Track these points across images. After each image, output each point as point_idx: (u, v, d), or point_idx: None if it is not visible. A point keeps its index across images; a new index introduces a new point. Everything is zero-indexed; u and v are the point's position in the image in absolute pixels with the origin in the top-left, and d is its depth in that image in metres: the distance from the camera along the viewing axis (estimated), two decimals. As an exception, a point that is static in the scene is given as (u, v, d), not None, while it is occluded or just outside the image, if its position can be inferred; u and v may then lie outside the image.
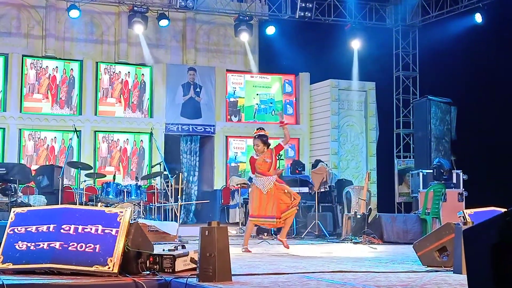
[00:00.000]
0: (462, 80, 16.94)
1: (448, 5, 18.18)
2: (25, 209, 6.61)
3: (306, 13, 18.56)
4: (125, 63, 18.47)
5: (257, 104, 19.22)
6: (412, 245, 7.69)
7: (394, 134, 19.87)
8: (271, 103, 19.30)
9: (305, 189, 15.92)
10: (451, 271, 6.59)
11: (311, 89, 19.54)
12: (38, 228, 6.19)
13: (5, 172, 13.85)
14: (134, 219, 12.06)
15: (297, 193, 15.88)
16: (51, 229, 6.16)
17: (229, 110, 19.01)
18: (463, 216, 7.27)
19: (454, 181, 14.58)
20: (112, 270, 5.84)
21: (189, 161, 18.70)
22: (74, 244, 6.03)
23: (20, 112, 17.16)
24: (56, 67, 17.67)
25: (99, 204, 13.41)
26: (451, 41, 17.55)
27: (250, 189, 10.39)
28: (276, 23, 18.64)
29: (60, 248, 6.01)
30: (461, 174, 14.88)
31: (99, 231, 6.07)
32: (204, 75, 18.73)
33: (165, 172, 14.36)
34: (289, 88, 19.52)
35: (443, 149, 17.21)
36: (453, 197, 13.90)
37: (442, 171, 13.95)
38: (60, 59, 17.89)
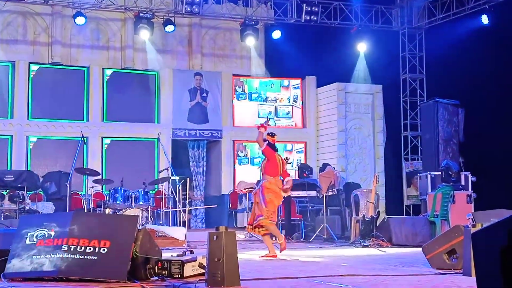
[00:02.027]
0: (470, 82, 16.89)
1: (454, 7, 18.14)
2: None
3: (312, 16, 18.55)
4: (132, 69, 18.50)
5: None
6: (421, 248, 7.66)
7: (402, 137, 19.83)
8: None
9: (313, 193, 15.89)
10: (461, 273, 6.56)
11: (317, 92, 19.53)
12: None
13: (12, 179, 13.88)
14: (142, 225, 12.07)
15: (305, 196, 16.00)
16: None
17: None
18: (472, 218, 7.24)
19: (463, 183, 14.53)
20: None
21: (196, 166, 18.69)
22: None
23: (27, 119, 17.20)
24: (62, 73, 17.70)
25: (107, 209, 13.44)
26: (457, 43, 17.50)
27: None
28: (282, 27, 18.65)
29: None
30: (469, 176, 14.82)
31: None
32: (210, 80, 18.74)
33: (172, 177, 14.36)
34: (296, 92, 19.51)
35: (451, 151, 17.16)
36: (462, 199, 13.86)
37: (451, 173, 13.90)
38: (66, 66, 17.93)
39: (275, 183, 9.90)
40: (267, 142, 10.02)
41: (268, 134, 10.12)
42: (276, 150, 10.12)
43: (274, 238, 13.12)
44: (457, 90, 17.23)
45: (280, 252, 9.81)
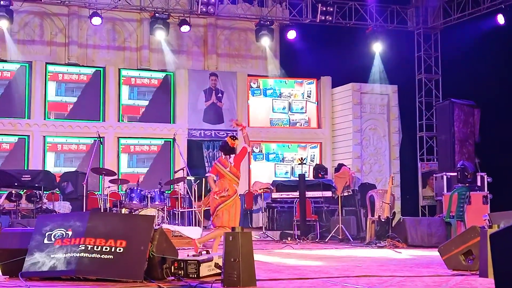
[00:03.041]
0: (485, 82, 16.80)
1: (470, 7, 18.06)
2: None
3: (327, 17, 18.54)
4: (147, 69, 18.57)
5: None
6: (436, 249, 7.65)
7: (417, 137, 19.76)
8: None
9: (328, 193, 15.89)
10: (477, 274, 6.55)
11: (332, 93, 19.50)
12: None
13: (30, 179, 13.97)
14: (158, 225, 12.12)
15: (320, 196, 15.99)
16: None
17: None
18: (488, 219, 7.22)
19: (479, 183, 14.45)
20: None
21: (211, 166, 18.70)
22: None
23: (44, 119, 17.31)
24: (79, 74, 17.81)
25: (123, 209, 13.50)
26: (473, 43, 17.43)
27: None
28: (297, 28, 18.64)
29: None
30: (485, 176, 14.75)
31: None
32: (225, 80, 18.78)
33: (188, 177, 14.40)
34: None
35: (467, 152, 17.09)
36: (478, 200, 13.78)
37: (466, 173, 13.83)
38: (82, 66, 18.03)
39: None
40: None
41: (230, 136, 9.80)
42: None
43: (289, 238, 13.10)
44: (473, 91, 17.15)
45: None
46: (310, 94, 19.43)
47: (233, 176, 9.53)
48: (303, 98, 19.42)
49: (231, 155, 9.63)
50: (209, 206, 9.81)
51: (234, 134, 10.13)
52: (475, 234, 6.96)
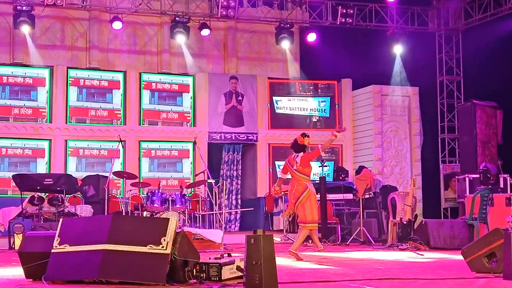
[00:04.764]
0: (508, 83, 16.67)
1: (491, 7, 17.93)
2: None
3: (347, 19, 18.51)
4: (168, 73, 18.64)
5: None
6: (459, 251, 7.59)
7: (439, 139, 19.66)
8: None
9: (349, 196, 15.85)
10: (501, 277, 6.49)
11: (353, 95, 19.46)
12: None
13: (52, 182, 14.06)
14: (180, 228, 12.14)
15: (342, 199, 15.98)
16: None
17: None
18: (511, 221, 7.16)
19: (502, 185, 14.33)
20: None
21: (231, 169, 18.76)
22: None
23: (66, 123, 17.42)
24: (100, 78, 17.92)
25: (145, 212, 13.56)
26: (495, 44, 17.29)
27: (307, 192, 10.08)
28: (317, 30, 18.62)
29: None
30: (508, 178, 14.61)
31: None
32: (246, 83, 18.80)
33: (209, 180, 14.43)
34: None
35: (489, 154, 16.96)
36: (501, 202, 13.66)
37: (489, 175, 13.73)
38: (104, 70, 18.14)
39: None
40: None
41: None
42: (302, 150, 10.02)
43: (310, 241, 13.13)
44: (495, 92, 17.03)
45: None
46: (324, 110, 19.35)
47: (300, 174, 9.87)
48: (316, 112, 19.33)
49: (299, 154, 9.93)
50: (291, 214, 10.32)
51: (305, 132, 10.26)
52: (498, 236, 6.90)
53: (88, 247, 6.16)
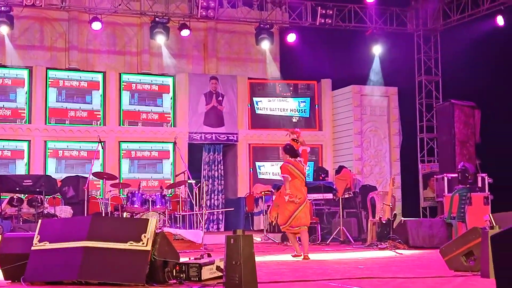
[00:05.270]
0: (485, 83, 16.82)
1: (469, 8, 18.09)
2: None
3: (327, 19, 18.57)
4: (148, 73, 18.60)
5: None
6: (438, 250, 7.65)
7: (418, 139, 19.79)
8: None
9: (329, 195, 15.90)
10: (479, 275, 6.55)
11: (333, 95, 19.54)
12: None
13: (31, 183, 13.99)
14: (160, 228, 12.13)
15: (321, 198, 16.05)
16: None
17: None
18: (489, 220, 7.22)
19: (480, 184, 14.47)
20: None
21: (212, 169, 18.76)
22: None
23: (45, 124, 17.33)
24: (79, 78, 17.83)
25: (124, 213, 13.52)
26: (473, 44, 17.44)
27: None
28: (297, 31, 18.67)
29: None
30: (486, 177, 14.76)
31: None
32: (226, 84, 18.81)
33: (189, 181, 14.42)
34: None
35: (467, 153, 17.10)
36: (479, 201, 13.80)
37: (467, 175, 13.85)
38: (83, 71, 18.06)
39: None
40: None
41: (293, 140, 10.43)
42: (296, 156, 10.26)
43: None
44: (473, 92, 17.17)
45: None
46: (304, 110, 19.41)
47: (304, 177, 10.20)
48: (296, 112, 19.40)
49: (297, 158, 10.17)
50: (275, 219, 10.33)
51: (295, 137, 10.57)
52: (476, 235, 6.97)
53: (69, 244, 6.12)
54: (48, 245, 6.20)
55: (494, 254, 3.20)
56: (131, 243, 6.02)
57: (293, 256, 9.98)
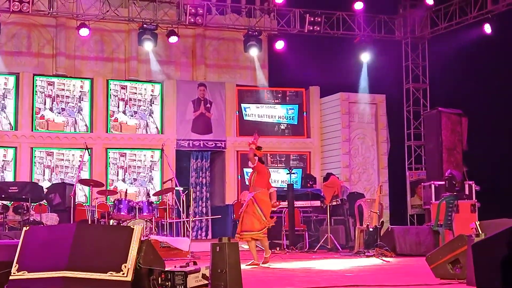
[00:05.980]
0: (473, 91, 16.88)
1: (457, 16, 18.16)
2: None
3: (315, 27, 18.58)
4: (136, 80, 18.55)
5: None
6: (424, 258, 7.66)
7: (406, 146, 19.84)
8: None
9: (317, 203, 15.91)
10: (465, 283, 6.56)
11: (321, 102, 19.56)
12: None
13: (17, 190, 13.90)
14: (146, 236, 12.08)
15: (309, 206, 16.05)
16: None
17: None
18: (475, 228, 7.23)
19: (467, 192, 14.51)
20: (126, 276, 5.86)
21: (200, 176, 18.72)
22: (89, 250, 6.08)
23: (32, 130, 17.25)
24: (67, 85, 17.76)
25: (111, 220, 13.45)
26: (460, 52, 17.50)
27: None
28: (285, 38, 18.68)
29: (75, 254, 6.02)
30: (473, 185, 14.80)
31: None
32: (214, 91, 18.79)
33: (176, 188, 14.37)
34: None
35: (454, 160, 17.13)
36: (466, 209, 13.84)
37: (454, 182, 13.89)
38: (70, 77, 17.99)
39: (267, 195, 10.40)
40: (257, 158, 10.57)
41: (257, 148, 10.66)
42: (263, 163, 10.72)
43: (277, 248, 13.14)
44: (460, 99, 17.22)
45: (261, 264, 10.10)
46: (292, 117, 19.43)
47: (251, 184, 10.76)
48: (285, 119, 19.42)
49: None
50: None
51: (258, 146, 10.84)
52: (462, 242, 6.98)
53: (48, 274, 5.97)
54: (26, 275, 6.07)
55: (475, 263, 3.20)
56: (111, 273, 5.93)
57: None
